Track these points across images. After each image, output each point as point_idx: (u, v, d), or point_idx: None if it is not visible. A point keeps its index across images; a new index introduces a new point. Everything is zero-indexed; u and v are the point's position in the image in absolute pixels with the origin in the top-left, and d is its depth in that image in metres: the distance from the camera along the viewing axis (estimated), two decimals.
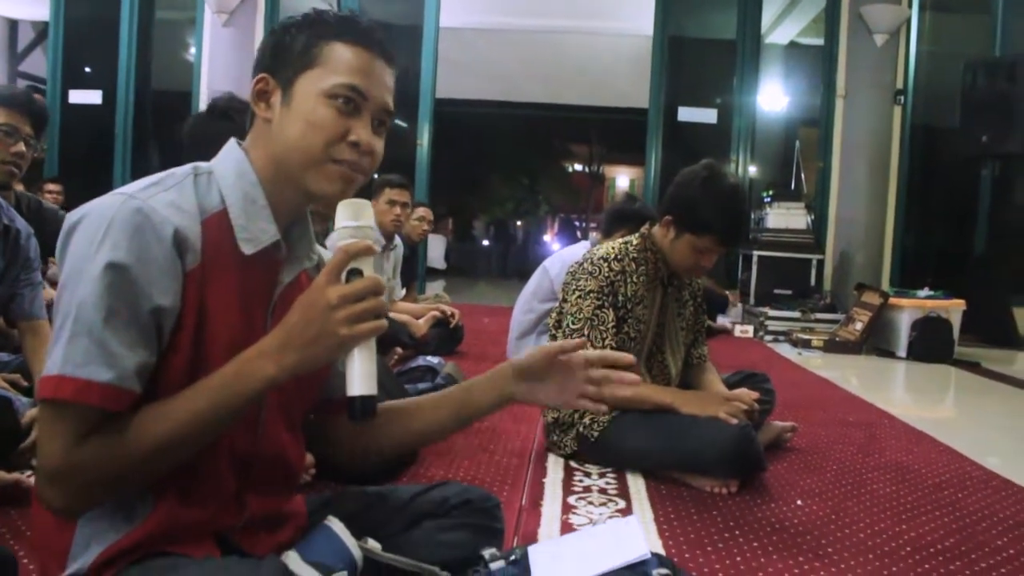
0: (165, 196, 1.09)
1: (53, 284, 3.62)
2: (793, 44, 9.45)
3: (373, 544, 1.27)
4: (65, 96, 8.74)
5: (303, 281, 1.26)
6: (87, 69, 9.21)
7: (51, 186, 6.86)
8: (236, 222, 1.14)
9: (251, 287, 1.17)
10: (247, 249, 1.14)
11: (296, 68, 1.15)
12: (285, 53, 1.16)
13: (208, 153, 1.22)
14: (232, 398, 1.05)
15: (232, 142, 1.20)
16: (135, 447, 1.02)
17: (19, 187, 2.98)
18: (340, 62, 1.15)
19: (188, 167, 1.16)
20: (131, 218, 1.04)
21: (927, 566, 1.93)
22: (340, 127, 1.14)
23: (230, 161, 1.18)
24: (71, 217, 1.08)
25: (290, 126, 1.14)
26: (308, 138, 1.13)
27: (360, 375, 1.08)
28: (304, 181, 1.15)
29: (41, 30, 9.71)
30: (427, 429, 1.38)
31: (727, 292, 7.44)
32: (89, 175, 8.54)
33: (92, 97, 8.75)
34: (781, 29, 9.28)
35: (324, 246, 1.41)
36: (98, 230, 1.03)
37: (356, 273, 1.06)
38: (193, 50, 8.54)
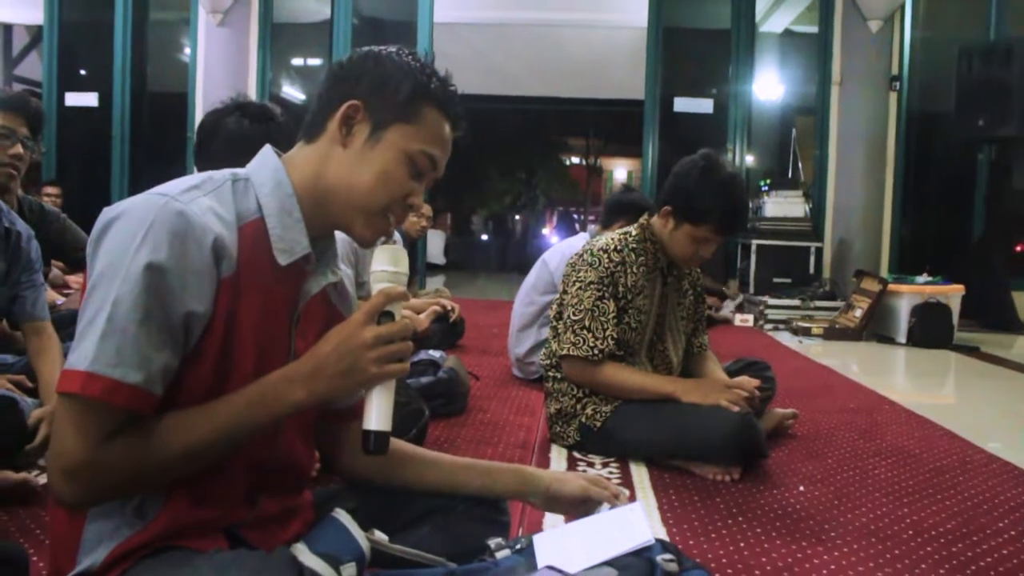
0: (205, 201, 1.10)
1: (53, 287, 3.64)
2: (788, 32, 9.44)
3: (380, 535, 1.28)
4: (61, 99, 8.72)
5: (325, 296, 1.28)
6: (82, 72, 9.20)
7: (49, 189, 6.86)
8: (273, 232, 1.15)
9: (278, 297, 1.18)
10: (283, 259, 1.16)
11: (395, 115, 1.18)
12: (387, 94, 1.18)
13: (249, 156, 1.23)
14: (259, 417, 1.09)
15: (268, 150, 1.22)
16: (160, 452, 1.04)
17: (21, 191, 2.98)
18: (433, 130, 1.20)
19: (226, 172, 1.17)
20: (174, 221, 1.04)
21: (928, 549, 1.95)
22: (406, 188, 1.20)
23: (267, 170, 1.19)
24: (108, 212, 1.08)
25: (365, 167, 1.18)
26: (376, 189, 1.18)
27: (378, 412, 1.13)
28: (350, 221, 1.20)
29: (36, 34, 9.69)
30: (437, 486, 1.43)
31: (723, 288, 7.43)
32: (87, 178, 8.54)
33: (88, 100, 8.74)
34: (775, 17, 9.27)
35: None
36: (139, 229, 1.04)
37: (387, 316, 1.12)
38: (188, 51, 8.54)
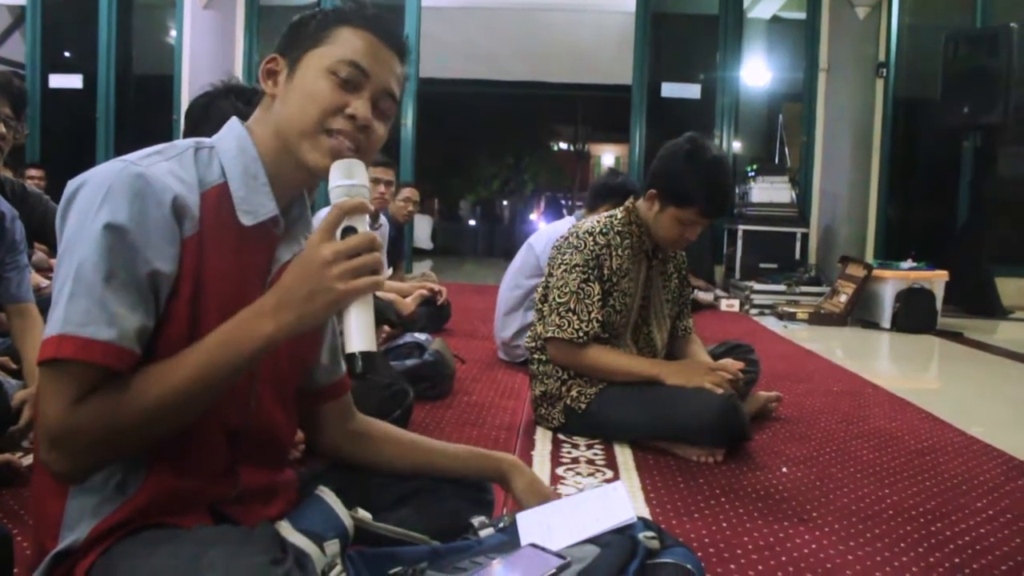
0: (166, 165, 1.11)
1: (38, 270, 3.62)
2: (776, 18, 9.43)
3: (364, 514, 1.29)
4: (45, 81, 8.65)
5: None
6: (67, 53, 9.12)
7: (33, 172, 6.80)
8: (236, 194, 1.16)
9: (248, 262, 1.18)
10: (246, 220, 1.15)
11: (304, 47, 1.19)
12: (298, 35, 1.20)
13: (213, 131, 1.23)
14: (231, 357, 1.06)
15: (234, 120, 1.22)
16: (135, 407, 1.03)
17: (7, 172, 2.96)
18: (346, 42, 1.18)
19: (190, 141, 1.18)
20: (131, 182, 1.05)
21: (908, 528, 1.97)
22: (338, 99, 1.16)
23: (232, 137, 1.20)
24: (72, 184, 1.09)
25: (291, 97, 1.17)
26: (306, 108, 1.16)
27: (358, 331, 1.07)
28: (299, 152, 1.17)
29: (18, 14, 9.59)
30: (415, 468, 1.45)
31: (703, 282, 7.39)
32: (71, 160, 8.47)
33: (72, 81, 8.67)
34: (763, 3, 9.26)
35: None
36: (98, 194, 1.05)
37: (350, 230, 1.07)
38: (174, 33, 8.47)
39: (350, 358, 1.08)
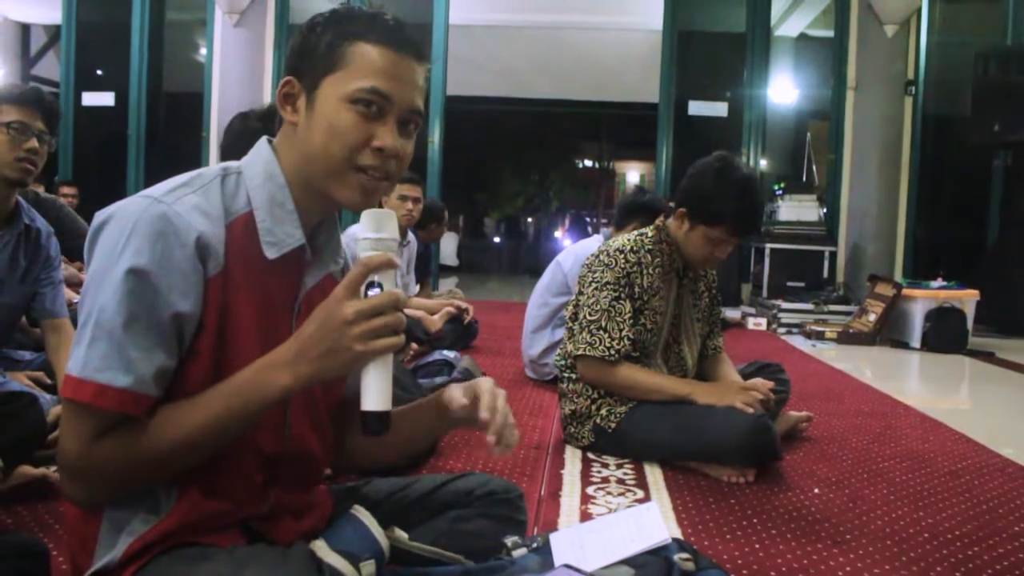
0: (191, 199, 1.09)
1: (69, 285, 3.66)
2: (803, 36, 9.43)
3: (400, 533, 1.29)
4: (78, 99, 8.80)
5: (328, 284, 1.25)
6: (99, 72, 9.27)
7: (66, 189, 6.89)
8: (261, 225, 1.14)
9: (275, 290, 1.17)
10: (271, 253, 1.14)
11: (320, 71, 1.13)
12: (310, 54, 1.14)
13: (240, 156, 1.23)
14: (247, 406, 1.06)
15: (263, 142, 1.20)
16: (149, 448, 1.04)
17: (40, 189, 3.00)
18: (364, 64, 1.12)
19: (218, 167, 1.17)
20: (155, 223, 1.05)
21: (945, 552, 1.94)
22: (363, 133, 1.12)
23: (259, 162, 1.18)
24: (99, 216, 1.09)
25: (314, 132, 1.13)
26: (330, 145, 1.12)
27: (374, 391, 1.06)
28: (327, 188, 1.15)
29: (53, 34, 9.78)
30: (409, 436, 1.34)
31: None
32: (103, 177, 8.60)
33: (105, 99, 8.82)
34: (791, 21, 9.26)
35: None
36: (122, 233, 1.05)
37: (376, 286, 1.05)
38: (204, 51, 8.59)
39: (363, 416, 1.07)
